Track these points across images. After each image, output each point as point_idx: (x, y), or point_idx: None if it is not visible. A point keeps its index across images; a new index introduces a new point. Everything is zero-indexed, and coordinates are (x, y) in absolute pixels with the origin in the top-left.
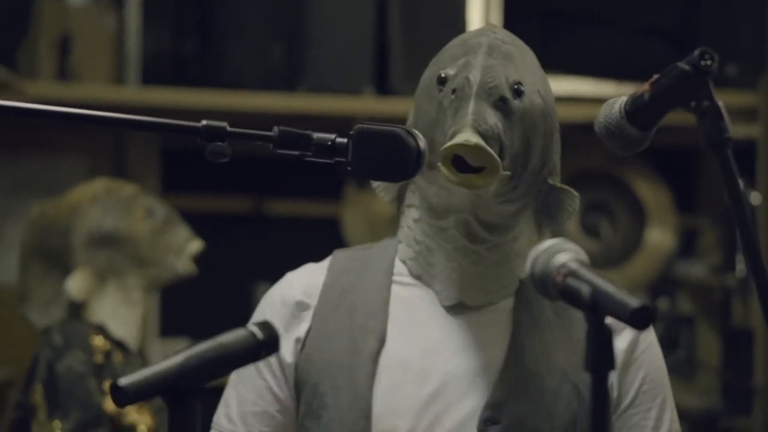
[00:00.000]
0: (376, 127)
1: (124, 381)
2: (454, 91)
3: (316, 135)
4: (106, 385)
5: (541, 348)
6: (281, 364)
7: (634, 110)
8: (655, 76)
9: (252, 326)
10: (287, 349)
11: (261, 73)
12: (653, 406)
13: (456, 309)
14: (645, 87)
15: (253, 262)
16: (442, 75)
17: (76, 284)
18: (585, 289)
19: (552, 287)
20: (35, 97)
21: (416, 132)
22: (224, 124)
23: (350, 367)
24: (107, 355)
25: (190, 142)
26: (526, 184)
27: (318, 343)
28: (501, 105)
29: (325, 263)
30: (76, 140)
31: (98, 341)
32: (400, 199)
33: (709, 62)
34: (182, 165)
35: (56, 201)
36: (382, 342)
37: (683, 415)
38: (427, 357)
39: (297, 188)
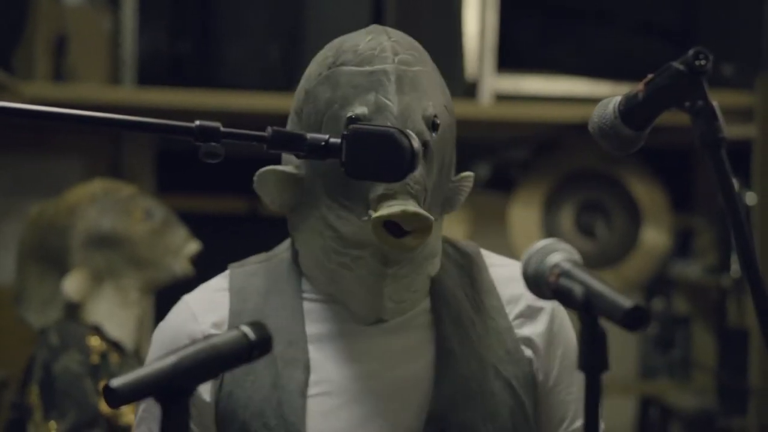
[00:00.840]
0: (369, 127)
1: (116, 382)
2: None
3: (310, 135)
4: (103, 385)
5: (469, 349)
6: (197, 403)
7: (629, 110)
8: (650, 76)
9: (244, 327)
10: (203, 388)
11: (258, 74)
12: (573, 381)
13: (375, 323)
14: (639, 87)
15: None
16: (353, 116)
17: (72, 285)
18: (578, 289)
19: (545, 287)
20: (31, 98)
21: (410, 132)
22: (217, 124)
23: (279, 402)
24: (103, 355)
25: (185, 142)
26: (439, 200)
27: (238, 378)
28: (423, 151)
29: (224, 283)
30: (71, 141)
31: (94, 342)
32: (292, 209)
33: (703, 62)
34: (177, 165)
35: (54, 201)
36: (308, 371)
37: (679, 415)
38: (355, 377)
39: None
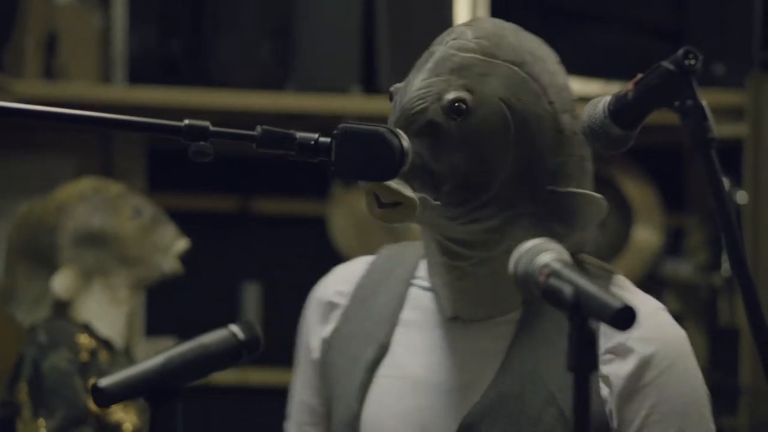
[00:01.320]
0: (359, 126)
1: (104, 382)
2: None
3: (299, 134)
4: (91, 384)
5: (530, 368)
6: (314, 361)
7: (618, 109)
8: (639, 76)
9: (233, 327)
10: (316, 348)
11: (249, 72)
12: None
13: (459, 320)
14: (629, 86)
15: (240, 261)
16: (392, 90)
17: (61, 283)
18: (567, 290)
19: (534, 287)
20: (21, 96)
21: (400, 132)
22: (207, 123)
23: (348, 375)
24: (93, 353)
25: (176, 140)
26: (500, 200)
27: (336, 346)
28: (429, 130)
29: (372, 258)
30: (62, 139)
31: (84, 340)
32: None
33: (693, 61)
34: (169, 164)
35: (43, 200)
36: (382, 351)
37: None
38: (425, 367)
39: (284, 187)
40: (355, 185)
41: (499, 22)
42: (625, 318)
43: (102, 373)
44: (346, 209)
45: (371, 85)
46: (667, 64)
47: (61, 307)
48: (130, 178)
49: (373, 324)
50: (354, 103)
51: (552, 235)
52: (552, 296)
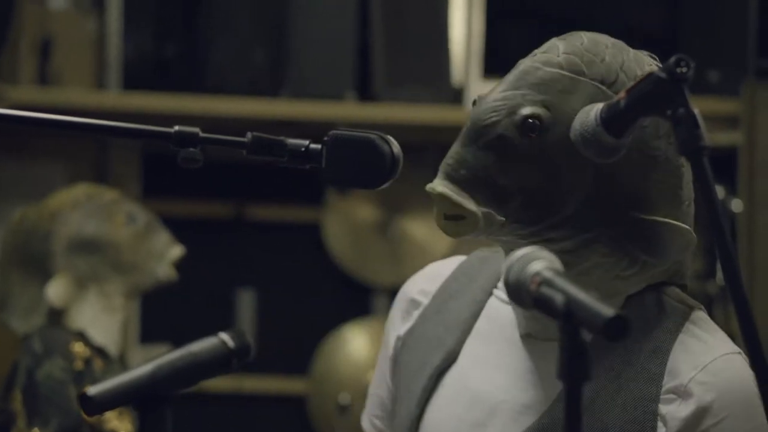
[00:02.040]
0: (350, 133)
1: (93, 390)
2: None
3: (290, 141)
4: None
5: (590, 399)
6: (389, 357)
7: (610, 117)
8: (631, 83)
9: (224, 335)
10: (391, 345)
11: (243, 78)
12: None
13: (531, 338)
14: (621, 94)
15: (234, 268)
16: (475, 98)
17: (56, 290)
18: (559, 298)
19: (526, 295)
20: (16, 102)
21: (391, 138)
22: (196, 129)
23: (414, 379)
24: (87, 361)
25: (170, 147)
26: (577, 221)
27: (410, 346)
28: (497, 144)
29: (462, 260)
30: (56, 145)
31: (78, 348)
32: None
33: (684, 69)
34: (163, 170)
35: (37, 206)
36: (450, 359)
37: None
38: (488, 381)
39: (278, 194)
40: (349, 192)
41: (602, 38)
42: (616, 327)
43: (96, 382)
44: (341, 216)
45: (365, 91)
46: (659, 71)
47: (56, 315)
48: (125, 184)
49: (446, 329)
50: (348, 110)
51: (633, 261)
52: (543, 305)
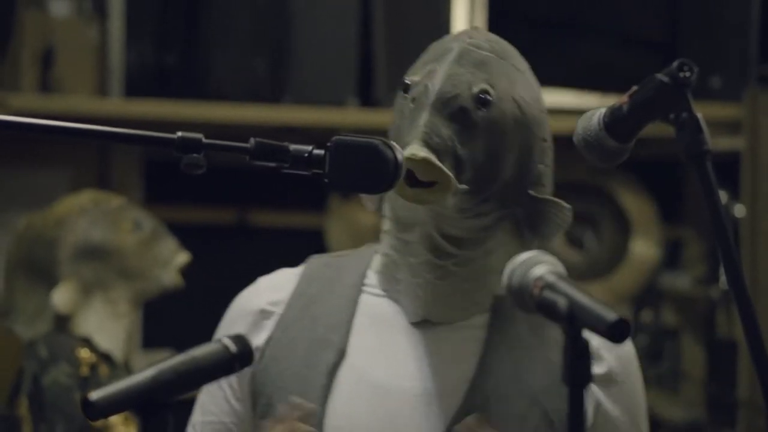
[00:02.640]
0: (353, 138)
1: (95, 395)
2: (414, 99)
3: (293, 147)
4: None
5: (511, 369)
6: (239, 376)
7: (613, 122)
8: (634, 88)
9: (225, 339)
10: None
11: (245, 85)
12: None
13: (424, 324)
14: (624, 99)
15: (237, 274)
16: (407, 82)
17: (62, 297)
18: (562, 302)
19: (529, 300)
20: (18, 110)
21: (394, 144)
22: (199, 135)
23: (305, 380)
24: (93, 367)
25: (173, 153)
26: (498, 198)
27: (276, 354)
28: (459, 116)
29: (300, 269)
30: (58, 152)
31: (84, 354)
32: (381, 210)
33: (687, 74)
34: (166, 176)
35: (43, 213)
36: (340, 356)
37: (668, 426)
38: (388, 373)
39: (281, 199)
40: (352, 197)
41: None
42: (619, 330)
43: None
44: (344, 221)
45: (368, 98)
46: (661, 76)
47: (61, 321)
48: (127, 191)
49: (327, 329)
50: (350, 116)
51: (524, 241)
52: (546, 309)
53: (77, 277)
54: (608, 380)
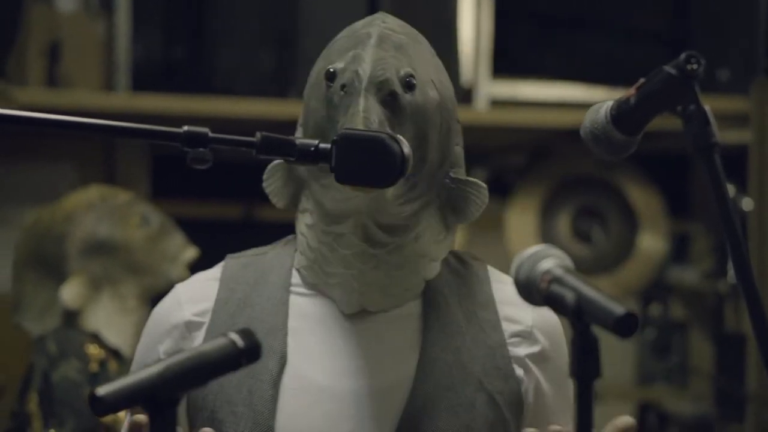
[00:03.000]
0: (359, 132)
1: (102, 390)
2: (343, 86)
3: (299, 140)
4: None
5: (453, 358)
6: None
7: (620, 115)
8: (641, 81)
9: (232, 334)
10: None
11: (251, 80)
12: (566, 408)
13: (359, 316)
14: (631, 91)
15: None
16: (331, 70)
17: (70, 292)
18: (569, 296)
19: (536, 294)
20: (24, 104)
21: (400, 138)
22: (206, 129)
23: (249, 391)
24: (102, 363)
25: (179, 147)
26: (426, 182)
27: None
28: (390, 101)
29: (217, 272)
30: (65, 147)
31: (93, 349)
32: (295, 205)
33: (695, 66)
34: (172, 171)
35: (51, 208)
36: (283, 363)
37: (677, 421)
38: (332, 374)
39: None
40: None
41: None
42: (627, 324)
43: None
44: None
45: None
46: (669, 68)
47: (70, 317)
48: (134, 186)
49: (264, 335)
50: None
51: (446, 225)
52: (554, 303)
53: (86, 273)
54: (543, 358)
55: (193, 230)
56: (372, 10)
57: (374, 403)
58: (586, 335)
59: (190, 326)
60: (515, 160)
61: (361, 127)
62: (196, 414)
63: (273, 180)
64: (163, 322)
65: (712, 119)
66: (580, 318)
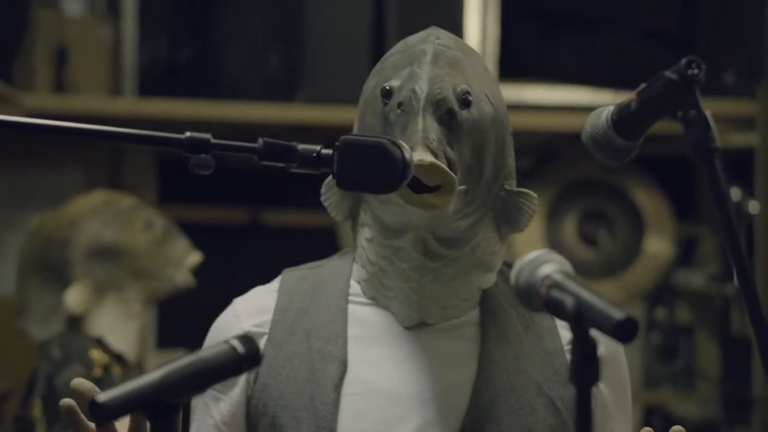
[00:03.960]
0: (361, 138)
1: (103, 397)
2: (400, 105)
3: (301, 146)
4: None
5: (512, 363)
6: (231, 400)
7: (621, 120)
8: (642, 85)
9: (233, 340)
10: (238, 382)
11: (258, 84)
12: (625, 420)
13: (418, 328)
14: (632, 96)
15: (250, 273)
16: (387, 87)
17: (74, 297)
18: (569, 301)
19: (536, 299)
20: (31, 109)
21: (402, 143)
22: (208, 135)
23: (311, 396)
24: (106, 368)
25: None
26: (482, 195)
27: (274, 371)
28: (447, 119)
29: (275, 285)
30: (71, 151)
31: (97, 354)
32: (353, 218)
33: (696, 71)
34: (178, 176)
35: (55, 213)
36: (344, 368)
37: (683, 424)
38: (392, 380)
39: (294, 198)
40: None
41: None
42: (627, 329)
43: None
44: None
45: None
46: (670, 73)
47: (74, 322)
48: (140, 191)
49: (324, 342)
50: None
51: (501, 236)
52: (553, 308)
53: (90, 278)
54: (601, 364)
55: (199, 235)
56: (378, 12)
57: (435, 407)
58: (585, 340)
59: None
60: (521, 163)
61: (423, 146)
62: (258, 420)
63: (330, 194)
64: (222, 332)
65: (712, 124)
66: (579, 323)
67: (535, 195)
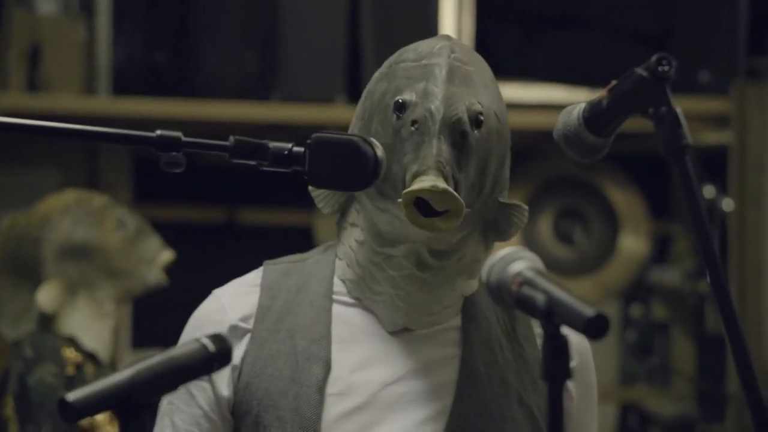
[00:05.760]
0: (333, 135)
1: (72, 396)
2: (414, 122)
3: (273, 144)
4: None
5: (494, 372)
6: (216, 393)
7: (592, 117)
8: (613, 83)
9: (204, 339)
10: (222, 379)
11: (233, 83)
12: (590, 422)
13: (401, 332)
14: (603, 93)
15: (226, 272)
16: (400, 101)
17: (46, 296)
18: (540, 298)
19: (507, 296)
20: (5, 109)
21: (374, 141)
22: (179, 133)
23: (295, 396)
24: (79, 367)
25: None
26: (478, 210)
27: (257, 370)
28: (460, 141)
29: (256, 279)
30: (46, 151)
31: (69, 353)
32: (342, 213)
33: (666, 68)
34: (155, 175)
35: (27, 212)
36: (327, 369)
37: (658, 421)
38: (375, 382)
39: (270, 198)
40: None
41: (458, 40)
42: (597, 326)
43: None
44: (333, 220)
45: (356, 95)
46: (640, 70)
47: (46, 321)
48: (116, 190)
49: (308, 342)
50: (339, 113)
51: (487, 245)
52: (524, 305)
53: (62, 277)
54: (575, 373)
55: (175, 234)
56: (354, 11)
57: (418, 410)
58: (556, 337)
59: (235, 331)
60: None
61: (435, 171)
62: (241, 418)
63: (320, 191)
64: (207, 323)
65: (683, 121)
66: (550, 320)
67: (526, 207)
